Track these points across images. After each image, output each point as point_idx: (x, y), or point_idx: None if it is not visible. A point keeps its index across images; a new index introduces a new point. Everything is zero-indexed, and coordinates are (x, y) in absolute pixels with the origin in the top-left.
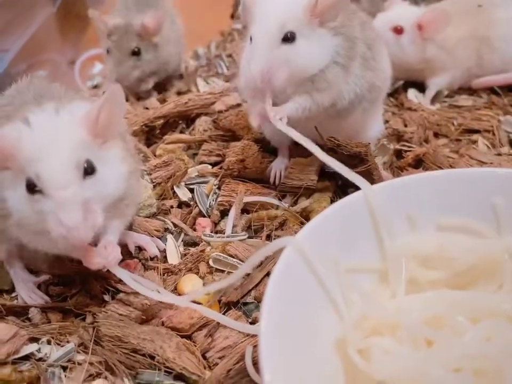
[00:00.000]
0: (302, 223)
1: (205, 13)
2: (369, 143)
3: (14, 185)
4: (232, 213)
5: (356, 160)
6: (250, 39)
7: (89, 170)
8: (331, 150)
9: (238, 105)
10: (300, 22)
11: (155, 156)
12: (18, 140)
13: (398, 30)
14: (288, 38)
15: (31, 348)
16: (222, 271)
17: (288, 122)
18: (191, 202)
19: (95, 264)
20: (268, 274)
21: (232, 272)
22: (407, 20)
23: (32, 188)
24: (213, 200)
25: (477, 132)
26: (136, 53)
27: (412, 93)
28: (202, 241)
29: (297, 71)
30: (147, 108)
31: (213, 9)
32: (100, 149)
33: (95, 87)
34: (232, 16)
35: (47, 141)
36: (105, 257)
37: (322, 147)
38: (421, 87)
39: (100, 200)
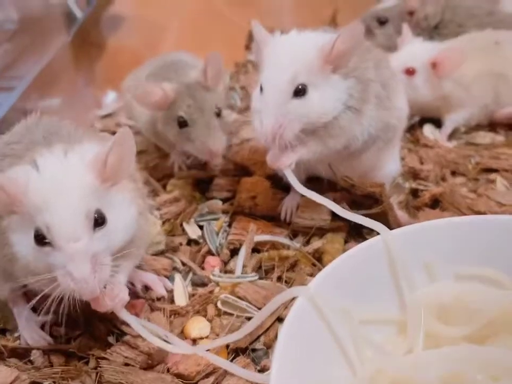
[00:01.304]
0: (314, 265)
1: (218, 43)
2: (384, 183)
3: (21, 231)
4: (243, 252)
5: (371, 200)
6: (261, 88)
7: (99, 221)
8: (345, 190)
9: (251, 139)
10: (311, 72)
11: (165, 190)
12: (26, 185)
13: (410, 72)
14: (300, 91)
15: None
16: (231, 314)
17: (300, 162)
18: (200, 240)
19: (103, 307)
20: (278, 319)
21: (241, 316)
22: (419, 59)
23: (41, 239)
24: (223, 238)
25: (495, 171)
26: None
27: (428, 129)
28: (211, 281)
29: (310, 123)
30: None
31: (227, 40)
32: (108, 194)
33: (107, 116)
34: (247, 47)
35: (56, 188)
36: (112, 299)
37: (335, 185)
38: (438, 123)
39: (109, 251)
